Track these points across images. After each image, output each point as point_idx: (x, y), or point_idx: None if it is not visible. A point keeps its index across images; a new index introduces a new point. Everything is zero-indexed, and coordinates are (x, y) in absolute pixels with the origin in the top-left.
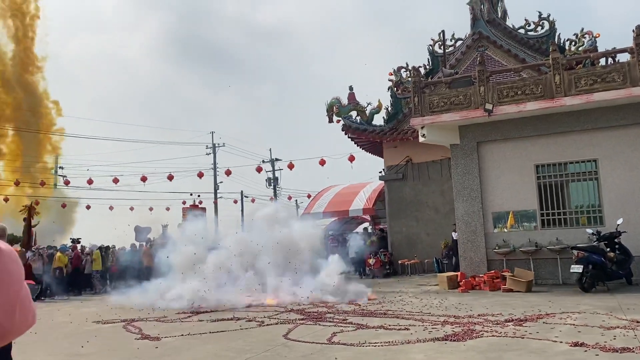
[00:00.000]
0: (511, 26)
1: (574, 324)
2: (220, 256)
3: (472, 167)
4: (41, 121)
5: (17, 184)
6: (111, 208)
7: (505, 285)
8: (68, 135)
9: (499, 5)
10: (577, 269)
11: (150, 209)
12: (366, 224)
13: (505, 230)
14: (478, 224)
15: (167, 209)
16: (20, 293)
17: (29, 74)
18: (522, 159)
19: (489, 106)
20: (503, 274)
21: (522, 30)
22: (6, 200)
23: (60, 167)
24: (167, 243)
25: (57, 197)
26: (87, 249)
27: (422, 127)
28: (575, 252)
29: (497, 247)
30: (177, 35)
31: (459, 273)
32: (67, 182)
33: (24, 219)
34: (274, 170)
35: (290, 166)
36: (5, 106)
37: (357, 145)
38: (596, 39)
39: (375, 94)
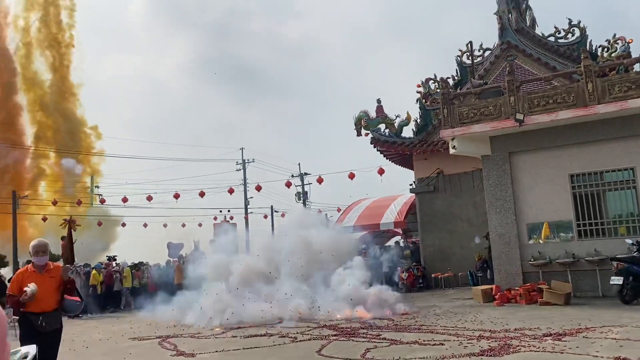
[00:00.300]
0: (540, 34)
1: (615, 338)
2: (248, 268)
3: (505, 178)
4: (80, 144)
5: (54, 203)
6: (145, 225)
7: (542, 298)
8: (105, 155)
9: (527, 13)
10: (617, 280)
11: (183, 225)
12: (398, 238)
13: (541, 241)
14: (512, 236)
15: (199, 225)
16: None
17: (66, 102)
18: (556, 168)
19: (519, 116)
20: (539, 286)
21: (552, 38)
22: (44, 219)
23: (96, 187)
24: (198, 258)
25: (95, 215)
26: (117, 266)
27: (452, 139)
28: (614, 263)
29: (532, 259)
30: (205, 54)
31: (493, 286)
32: (102, 201)
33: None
34: (303, 185)
35: (320, 180)
36: (46, 129)
37: (387, 158)
38: (629, 44)
39: (404, 106)
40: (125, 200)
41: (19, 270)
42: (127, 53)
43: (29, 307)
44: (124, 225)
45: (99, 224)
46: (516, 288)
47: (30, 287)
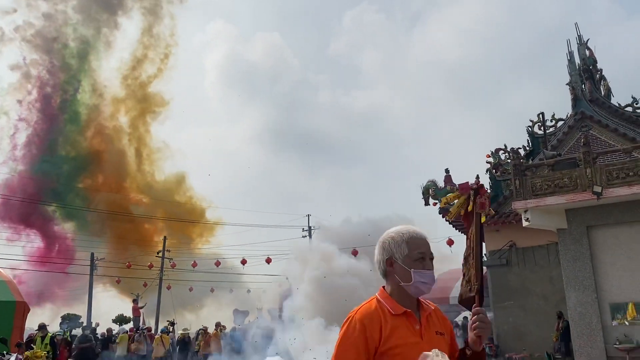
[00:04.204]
0: (617, 104)
1: None
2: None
3: (583, 253)
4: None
5: (128, 266)
6: (212, 290)
7: None
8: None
9: (602, 84)
10: None
11: (248, 291)
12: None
13: (627, 323)
14: (594, 316)
15: (264, 291)
16: None
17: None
18: (639, 244)
19: (597, 189)
20: None
21: (629, 108)
22: (118, 282)
23: (167, 250)
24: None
25: (166, 279)
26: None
27: (525, 211)
28: None
29: (617, 343)
30: (275, 125)
31: None
32: (173, 265)
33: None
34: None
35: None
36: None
37: (456, 229)
38: None
39: (472, 177)
40: (194, 265)
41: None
42: (203, 126)
43: None
44: (191, 290)
45: (168, 287)
46: None
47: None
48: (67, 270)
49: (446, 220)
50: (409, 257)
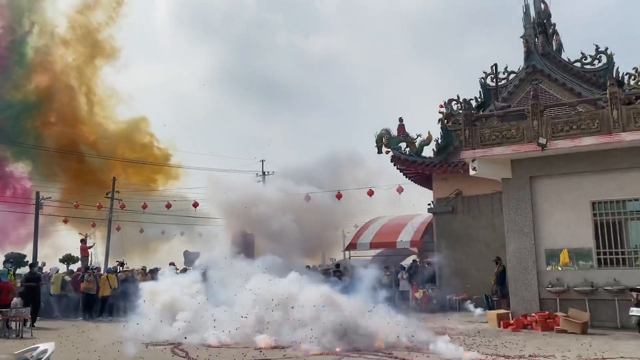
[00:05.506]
0: (567, 59)
1: None
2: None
3: (525, 202)
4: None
5: (76, 206)
6: (163, 232)
7: (558, 326)
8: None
9: (554, 38)
10: (636, 312)
11: (200, 234)
12: (414, 257)
13: (559, 268)
14: (530, 261)
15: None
16: None
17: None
18: (577, 195)
19: (542, 140)
20: (556, 314)
21: (578, 64)
22: (65, 222)
23: (117, 192)
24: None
25: (116, 220)
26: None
27: (473, 160)
28: (634, 294)
29: (550, 286)
30: (229, 67)
31: (509, 311)
32: (122, 206)
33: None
34: None
35: (339, 196)
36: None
37: (406, 177)
38: None
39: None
40: (145, 206)
41: None
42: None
43: None
44: (141, 231)
45: (118, 228)
46: (532, 314)
47: None
48: (14, 210)
49: (397, 169)
50: None
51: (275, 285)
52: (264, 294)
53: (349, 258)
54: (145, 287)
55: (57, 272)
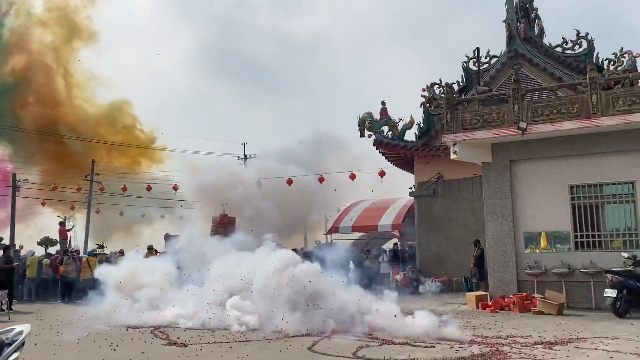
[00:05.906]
0: (548, 44)
1: (606, 350)
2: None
3: (504, 185)
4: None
5: (54, 188)
6: (143, 215)
7: (535, 307)
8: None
9: (536, 23)
10: (611, 293)
11: (181, 217)
12: (395, 240)
13: (537, 251)
14: (509, 244)
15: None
16: None
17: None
18: (556, 179)
19: (522, 124)
20: (533, 295)
21: (559, 49)
22: (43, 204)
23: (96, 174)
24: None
25: (96, 203)
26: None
27: (454, 144)
28: (609, 276)
29: (528, 268)
30: (210, 47)
31: (487, 293)
32: (101, 189)
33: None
34: None
35: (321, 179)
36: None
37: (388, 161)
38: (636, 58)
39: (408, 110)
40: (124, 189)
41: None
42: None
43: None
44: (121, 214)
45: (97, 211)
46: (510, 296)
47: None
48: None
49: (380, 152)
50: None
51: (243, 260)
52: (232, 272)
53: (331, 242)
54: (100, 270)
55: (33, 255)
